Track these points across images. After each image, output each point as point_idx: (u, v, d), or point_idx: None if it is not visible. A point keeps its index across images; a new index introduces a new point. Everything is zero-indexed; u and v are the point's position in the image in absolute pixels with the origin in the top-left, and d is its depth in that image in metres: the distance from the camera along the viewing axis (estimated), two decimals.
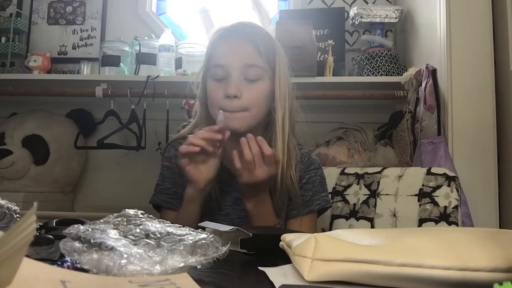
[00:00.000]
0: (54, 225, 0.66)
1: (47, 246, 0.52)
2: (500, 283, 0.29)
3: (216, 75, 0.97)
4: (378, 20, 1.93)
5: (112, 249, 0.42)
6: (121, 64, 2.01)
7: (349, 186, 1.22)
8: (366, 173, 1.22)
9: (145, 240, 0.47)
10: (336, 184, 1.23)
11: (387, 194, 1.15)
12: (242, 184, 0.91)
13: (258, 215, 0.93)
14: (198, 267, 0.45)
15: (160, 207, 1.03)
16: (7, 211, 0.60)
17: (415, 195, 1.10)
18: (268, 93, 0.98)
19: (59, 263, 0.44)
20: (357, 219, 1.17)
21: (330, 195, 1.15)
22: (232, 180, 0.99)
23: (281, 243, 0.58)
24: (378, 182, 1.18)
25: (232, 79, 0.95)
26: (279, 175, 0.95)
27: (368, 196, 1.17)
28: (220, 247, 0.48)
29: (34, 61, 2.05)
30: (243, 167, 0.88)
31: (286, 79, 1.01)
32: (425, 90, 1.53)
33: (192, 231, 0.50)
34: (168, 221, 0.54)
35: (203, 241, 0.47)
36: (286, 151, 0.97)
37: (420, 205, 1.09)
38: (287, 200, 1.00)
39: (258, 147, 0.88)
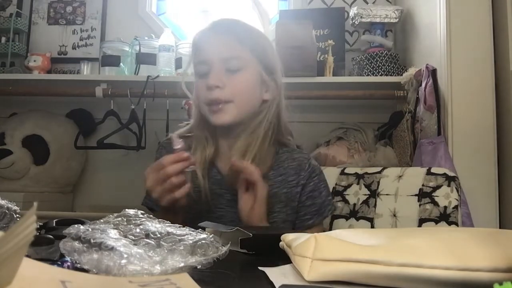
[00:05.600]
0: (54, 225, 0.66)
1: (47, 246, 0.52)
2: (500, 283, 0.29)
3: (200, 71, 0.98)
4: (378, 20, 1.93)
5: (112, 249, 0.42)
6: (121, 64, 2.01)
7: (349, 186, 1.22)
8: (366, 173, 1.22)
9: (145, 240, 0.46)
10: (336, 184, 1.23)
11: (387, 194, 1.15)
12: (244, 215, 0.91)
13: (250, 222, 0.91)
14: (198, 267, 0.44)
15: (153, 210, 1.03)
16: (7, 211, 0.60)
17: (415, 195, 1.10)
18: (255, 84, 0.98)
19: (59, 263, 0.44)
20: (357, 219, 1.17)
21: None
22: (225, 183, 0.99)
23: (281, 243, 0.58)
24: (378, 182, 1.18)
25: (213, 71, 0.95)
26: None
27: (368, 196, 1.17)
28: (220, 247, 0.48)
29: (34, 61, 2.05)
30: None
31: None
32: (425, 90, 1.53)
33: (192, 231, 0.50)
34: (168, 221, 0.54)
35: (203, 241, 0.47)
36: (258, 144, 0.95)
37: (420, 205, 1.09)
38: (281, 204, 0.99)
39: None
